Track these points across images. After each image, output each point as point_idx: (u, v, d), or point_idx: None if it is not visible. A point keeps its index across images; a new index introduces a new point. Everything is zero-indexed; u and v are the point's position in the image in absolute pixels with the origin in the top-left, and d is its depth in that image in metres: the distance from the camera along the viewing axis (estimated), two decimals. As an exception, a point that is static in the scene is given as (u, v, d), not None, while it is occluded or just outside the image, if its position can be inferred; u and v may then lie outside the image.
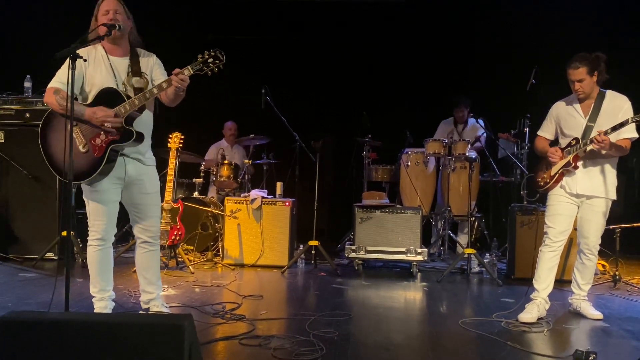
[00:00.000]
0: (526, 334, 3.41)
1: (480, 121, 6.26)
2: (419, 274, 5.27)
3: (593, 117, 3.69)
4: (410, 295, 4.58)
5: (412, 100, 7.26)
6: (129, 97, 3.08)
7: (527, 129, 5.91)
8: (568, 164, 3.71)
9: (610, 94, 3.72)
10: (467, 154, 5.81)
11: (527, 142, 5.91)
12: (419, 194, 6.06)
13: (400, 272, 5.50)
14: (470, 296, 4.62)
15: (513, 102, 6.25)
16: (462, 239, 6.28)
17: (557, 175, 3.77)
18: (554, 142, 3.94)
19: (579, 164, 3.70)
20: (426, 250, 5.26)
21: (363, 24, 7.49)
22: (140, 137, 3.17)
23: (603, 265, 5.28)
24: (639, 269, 5.75)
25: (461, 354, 3.07)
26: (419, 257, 5.21)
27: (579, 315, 3.85)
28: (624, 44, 6.24)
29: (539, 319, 3.68)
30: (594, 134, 3.59)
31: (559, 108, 3.88)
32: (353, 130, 6.71)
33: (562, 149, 3.79)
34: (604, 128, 3.53)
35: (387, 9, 7.43)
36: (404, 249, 5.24)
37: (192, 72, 3.08)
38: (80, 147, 3.10)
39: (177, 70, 3.05)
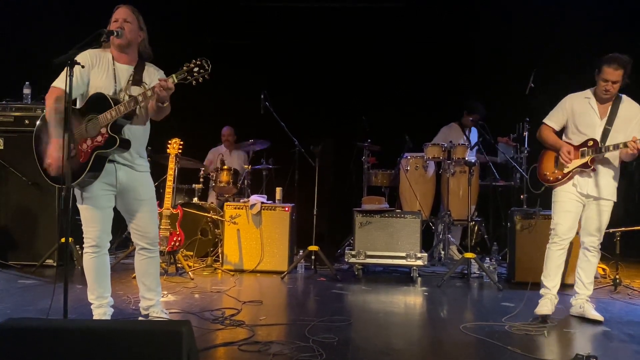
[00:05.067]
0: (527, 338, 3.40)
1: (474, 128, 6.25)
2: (419, 279, 5.25)
3: (610, 120, 3.71)
4: (410, 300, 4.57)
5: (412, 104, 7.26)
6: (116, 104, 3.05)
7: (526, 133, 5.89)
8: (585, 165, 3.73)
9: (626, 100, 3.75)
10: (466, 158, 5.80)
11: (526, 146, 5.89)
12: (418, 198, 6.05)
13: (400, 276, 5.48)
14: (470, 301, 4.61)
15: (512, 106, 6.25)
16: (454, 247, 6.27)
17: (571, 172, 3.78)
18: (559, 134, 3.93)
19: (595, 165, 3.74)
20: (426, 254, 5.25)
21: (362, 28, 7.49)
22: (125, 144, 3.14)
23: (603, 269, 5.27)
24: (639, 273, 5.73)
25: (462, 359, 3.06)
26: (419, 262, 5.20)
27: (579, 318, 3.84)
28: (625, 46, 6.23)
29: None
30: (611, 138, 3.66)
31: (574, 102, 3.84)
32: (352, 135, 6.70)
33: (576, 148, 3.78)
34: (620, 133, 3.63)
35: (386, 13, 7.45)
36: (403, 254, 5.22)
37: (176, 81, 3.03)
38: None
39: (162, 78, 3.02)
